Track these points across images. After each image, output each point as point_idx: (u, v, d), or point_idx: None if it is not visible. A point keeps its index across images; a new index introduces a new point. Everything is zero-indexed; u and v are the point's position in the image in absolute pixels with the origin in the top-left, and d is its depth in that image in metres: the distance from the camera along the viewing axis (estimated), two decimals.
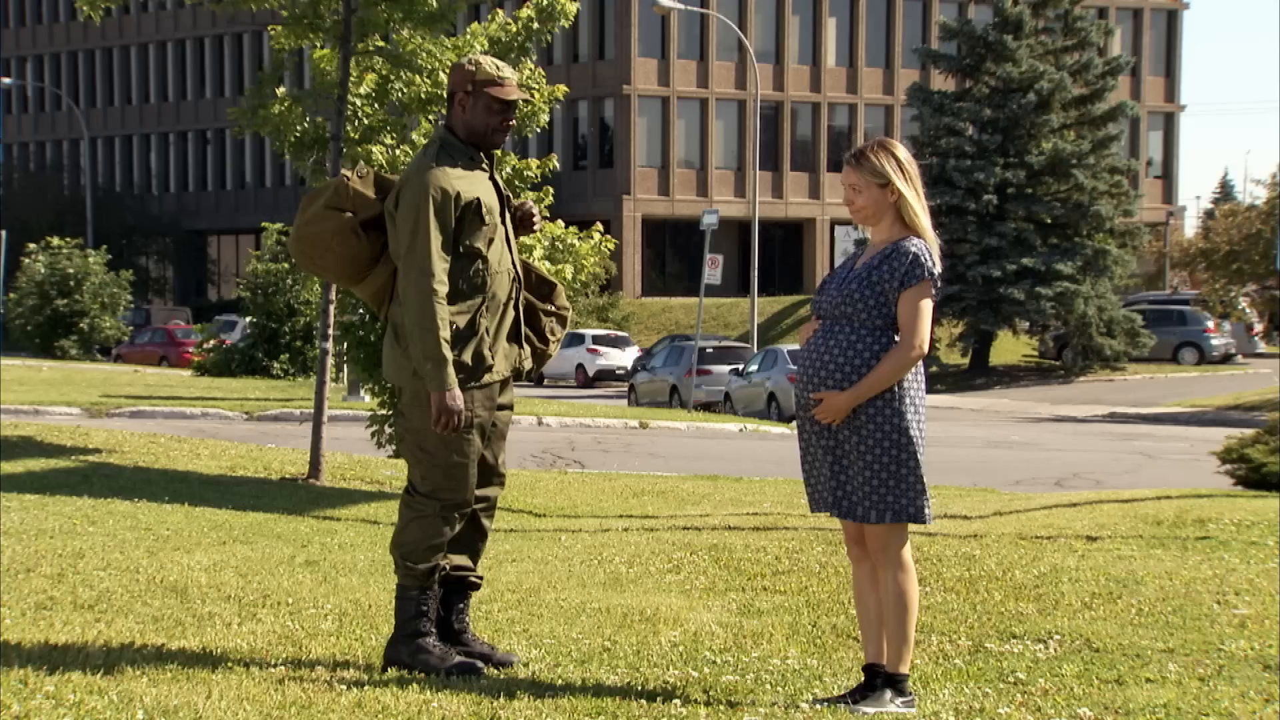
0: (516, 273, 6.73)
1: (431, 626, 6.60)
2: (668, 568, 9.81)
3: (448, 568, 6.72)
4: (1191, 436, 30.26)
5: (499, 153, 18.24)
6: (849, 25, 73.16)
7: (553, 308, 6.89)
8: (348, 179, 6.66)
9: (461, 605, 6.81)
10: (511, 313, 6.70)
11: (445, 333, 6.40)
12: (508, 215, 6.76)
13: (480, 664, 6.59)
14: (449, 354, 6.40)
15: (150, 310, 68.78)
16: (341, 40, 15.74)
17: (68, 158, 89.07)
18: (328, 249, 6.67)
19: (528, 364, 6.82)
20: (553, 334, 6.89)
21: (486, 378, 6.57)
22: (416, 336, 6.42)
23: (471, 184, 6.58)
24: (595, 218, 23.14)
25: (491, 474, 6.77)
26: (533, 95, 17.47)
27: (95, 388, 33.73)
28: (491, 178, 6.70)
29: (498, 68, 6.63)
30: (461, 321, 6.51)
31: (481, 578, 6.94)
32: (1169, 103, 77.26)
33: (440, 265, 6.43)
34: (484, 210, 6.57)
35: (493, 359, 6.59)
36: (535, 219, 6.85)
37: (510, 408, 6.82)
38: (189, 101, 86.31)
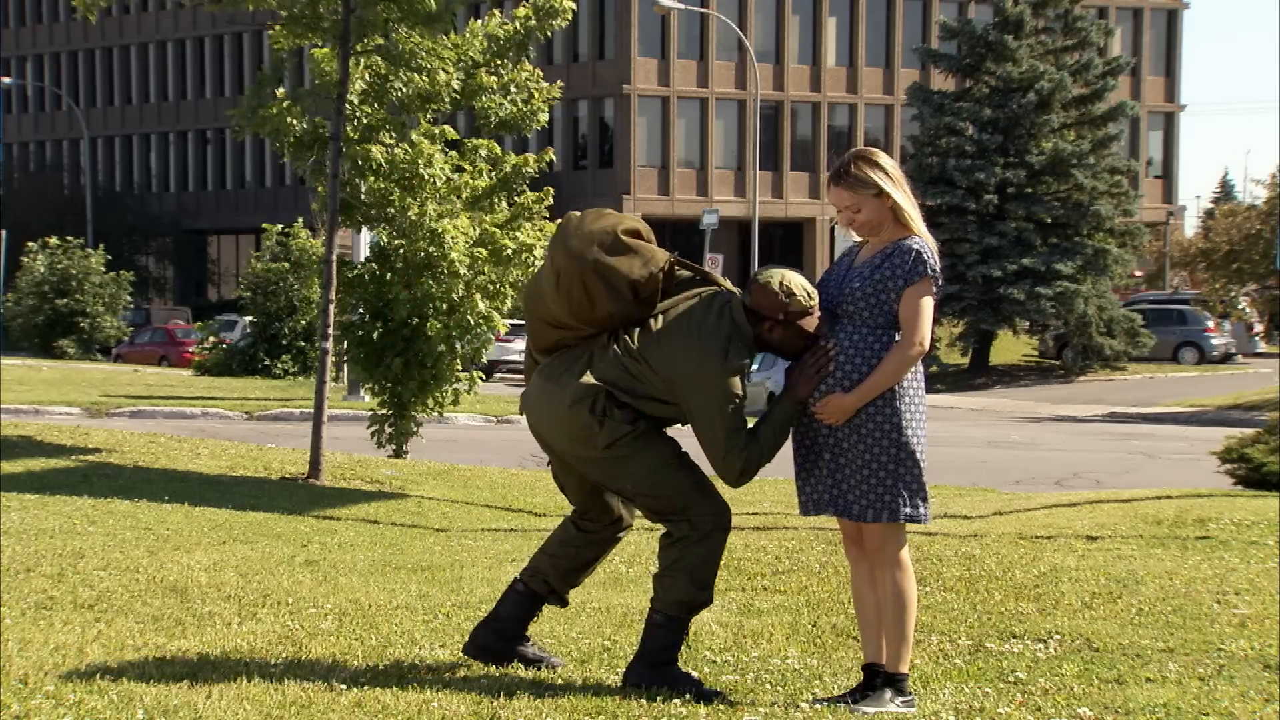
0: None
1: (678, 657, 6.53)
2: None
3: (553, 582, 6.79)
4: (1191, 436, 30.26)
5: (498, 150, 18.28)
6: (849, 25, 73.15)
7: None
8: (665, 273, 6.38)
9: (535, 615, 6.89)
10: None
11: (773, 432, 6.31)
12: None
13: (720, 693, 6.43)
14: (785, 425, 6.32)
15: (150, 310, 68.73)
16: (340, 40, 15.74)
17: (68, 158, 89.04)
18: (592, 306, 6.36)
19: None
20: None
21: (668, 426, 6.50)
22: (775, 444, 6.32)
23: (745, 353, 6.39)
24: None
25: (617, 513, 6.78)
26: (532, 95, 17.48)
27: (95, 387, 33.73)
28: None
29: (809, 296, 6.30)
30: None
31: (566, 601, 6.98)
32: (1169, 103, 77.25)
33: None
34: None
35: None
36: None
37: None
38: (189, 101, 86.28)
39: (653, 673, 6.41)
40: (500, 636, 6.74)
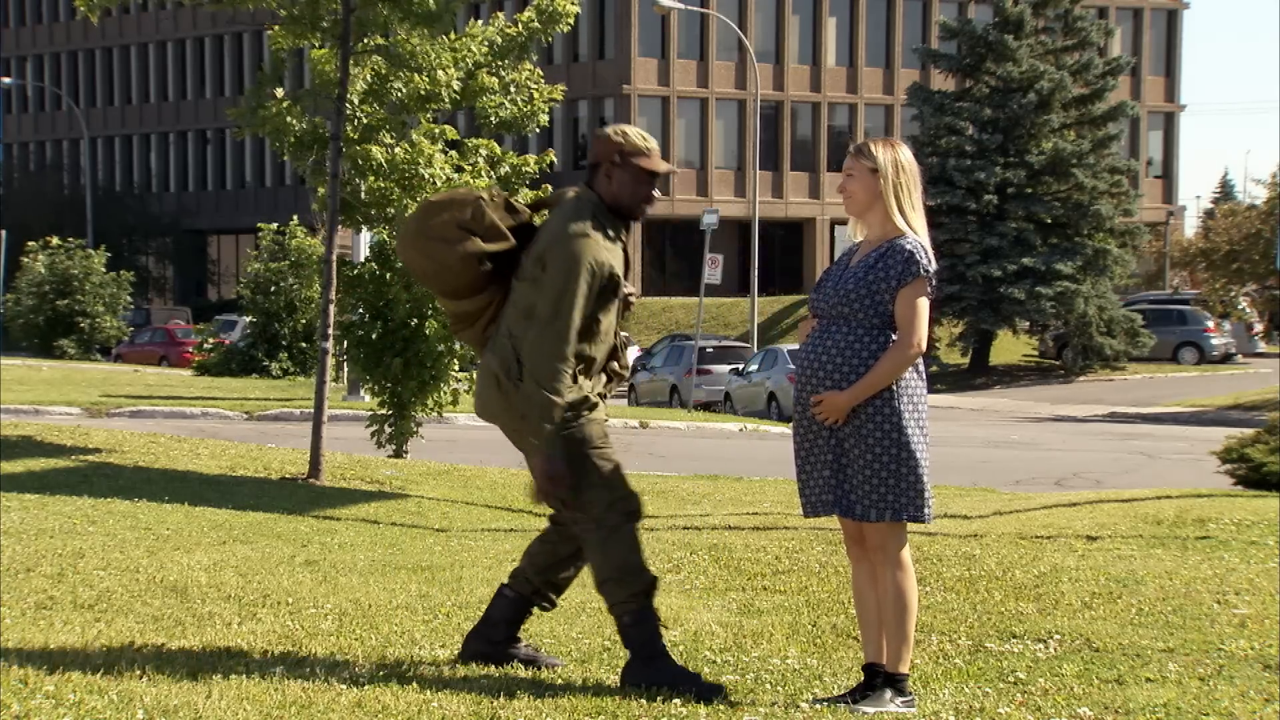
0: (616, 341, 6.70)
1: (661, 643, 6.52)
2: (668, 567, 9.81)
3: (539, 583, 6.79)
4: (1191, 436, 30.25)
5: (498, 150, 18.28)
6: (849, 25, 73.15)
7: (617, 365, 6.81)
8: (484, 203, 6.58)
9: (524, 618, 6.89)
10: (603, 376, 6.68)
11: (564, 405, 6.36)
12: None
13: (721, 689, 6.42)
14: (560, 420, 6.37)
15: (150, 310, 68.77)
16: (340, 40, 15.74)
17: (68, 158, 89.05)
18: (447, 269, 6.58)
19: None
20: (607, 389, 6.83)
21: (594, 414, 6.55)
22: (538, 403, 6.33)
23: (613, 255, 6.50)
24: None
25: None
26: (532, 96, 17.48)
27: (95, 387, 33.73)
28: (625, 248, 6.63)
29: (644, 138, 6.58)
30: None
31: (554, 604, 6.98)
32: (1169, 103, 77.24)
33: (575, 342, 6.38)
34: (617, 285, 6.52)
35: (595, 397, 6.58)
36: (631, 305, 6.75)
37: None
38: (189, 101, 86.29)
39: (646, 668, 6.42)
40: (491, 642, 6.77)
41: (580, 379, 6.50)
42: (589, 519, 6.50)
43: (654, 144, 6.62)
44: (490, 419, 6.65)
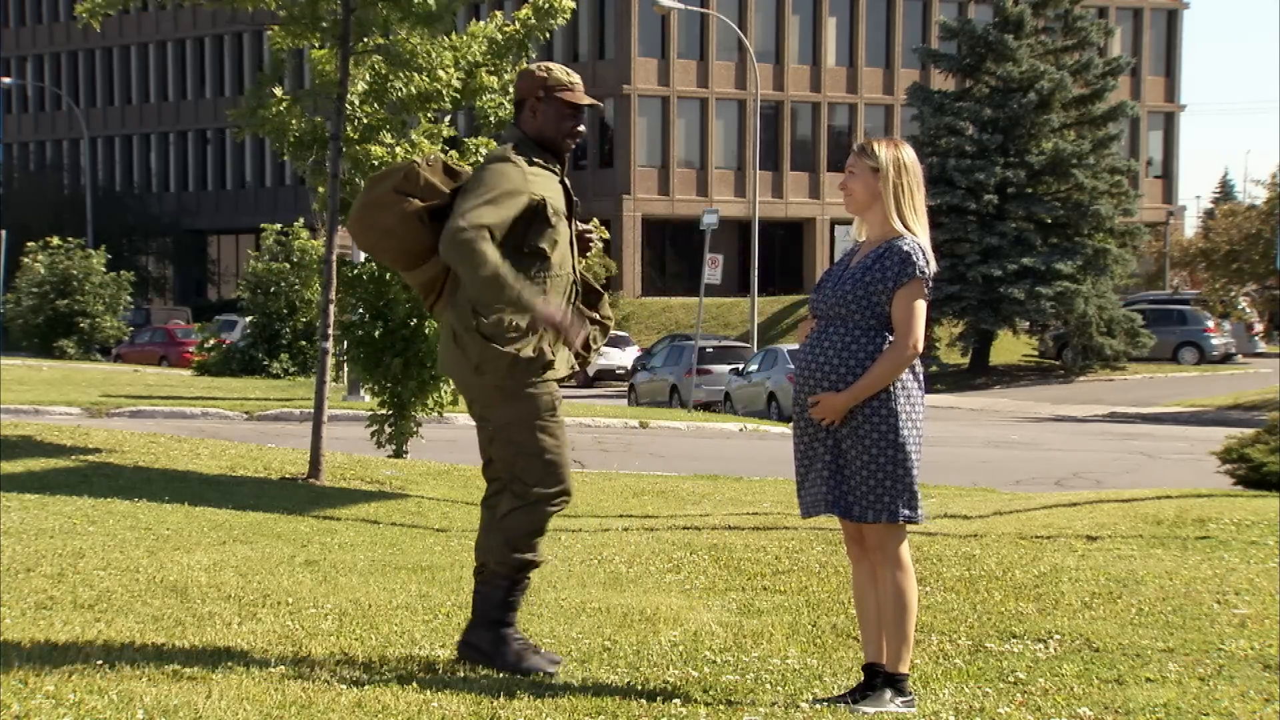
0: (575, 277, 6.77)
1: (514, 619, 6.68)
2: (668, 567, 9.81)
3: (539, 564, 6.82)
4: (1191, 436, 30.26)
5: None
6: (849, 25, 73.16)
7: (597, 316, 6.88)
8: (418, 165, 6.71)
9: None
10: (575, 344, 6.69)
11: (503, 268, 6.41)
12: (574, 222, 6.79)
13: (553, 668, 6.58)
14: (515, 281, 6.43)
15: (150, 310, 68.77)
16: (340, 40, 15.74)
17: (68, 158, 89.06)
18: (391, 233, 6.70)
19: (575, 368, 6.84)
20: (594, 342, 6.87)
21: (548, 374, 6.61)
22: (478, 283, 6.43)
23: (543, 184, 6.62)
24: (596, 217, 23.15)
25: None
26: None
27: (95, 387, 33.73)
28: (562, 181, 6.74)
29: (567, 74, 6.72)
30: (524, 320, 6.53)
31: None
32: (1169, 103, 77.25)
33: (490, 218, 6.43)
34: (550, 212, 6.60)
35: (553, 355, 6.62)
36: (591, 243, 6.86)
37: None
38: (189, 101, 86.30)
39: (487, 634, 6.63)
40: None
41: (553, 341, 6.57)
42: (521, 486, 6.63)
43: (578, 79, 6.76)
44: (447, 373, 6.78)
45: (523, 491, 6.64)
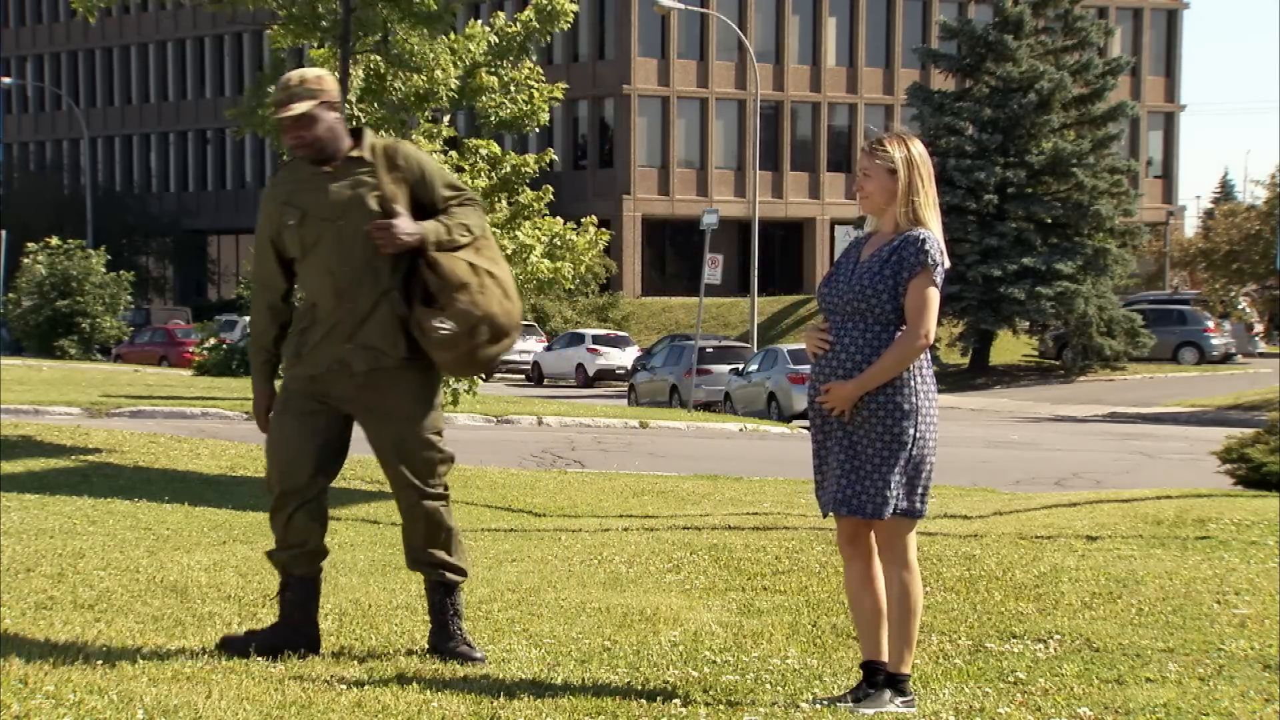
0: (348, 276, 6.71)
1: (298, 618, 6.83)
2: (668, 567, 9.81)
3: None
4: (1191, 436, 30.26)
5: (498, 150, 18.28)
6: (849, 25, 73.17)
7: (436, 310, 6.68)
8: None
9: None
10: (334, 316, 6.75)
11: (256, 332, 6.92)
12: (356, 219, 6.76)
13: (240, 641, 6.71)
14: (256, 356, 6.96)
15: (150, 310, 68.76)
16: (340, 40, 15.75)
17: (68, 158, 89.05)
18: None
19: (358, 363, 6.82)
20: (430, 332, 6.70)
21: (296, 369, 6.87)
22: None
23: (293, 193, 6.95)
24: (595, 217, 23.13)
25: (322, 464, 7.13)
26: (533, 94, 17.50)
27: (95, 387, 33.72)
28: (346, 182, 6.86)
29: (283, 89, 6.91)
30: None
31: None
32: (1169, 103, 77.27)
33: (258, 271, 6.95)
34: (295, 218, 6.87)
35: (301, 351, 6.82)
36: (384, 241, 6.67)
37: (361, 396, 6.99)
38: (189, 101, 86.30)
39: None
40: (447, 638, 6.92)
41: (299, 339, 6.84)
42: (440, 486, 6.96)
43: (283, 94, 6.97)
44: None
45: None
